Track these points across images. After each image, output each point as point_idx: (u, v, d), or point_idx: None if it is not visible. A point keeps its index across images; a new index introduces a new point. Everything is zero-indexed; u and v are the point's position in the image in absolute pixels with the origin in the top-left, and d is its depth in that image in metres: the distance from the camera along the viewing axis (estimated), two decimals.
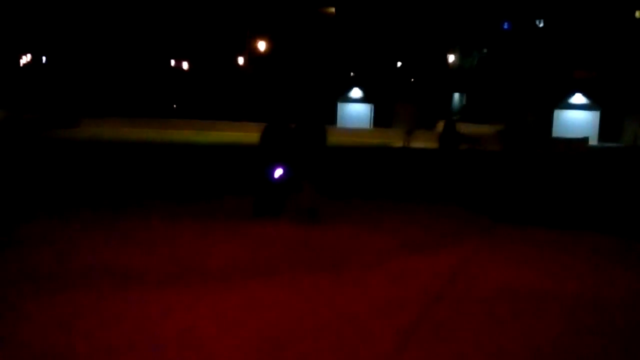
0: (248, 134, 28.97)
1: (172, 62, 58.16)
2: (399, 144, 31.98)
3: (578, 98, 42.07)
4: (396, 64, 50.26)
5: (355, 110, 47.21)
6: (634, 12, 44.28)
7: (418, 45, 48.66)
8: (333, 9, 50.41)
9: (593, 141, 38.66)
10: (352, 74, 51.32)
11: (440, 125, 36.64)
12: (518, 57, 46.12)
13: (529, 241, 8.63)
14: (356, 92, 47.27)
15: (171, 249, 7.49)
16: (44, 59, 56.29)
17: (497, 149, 29.33)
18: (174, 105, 53.43)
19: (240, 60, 54.69)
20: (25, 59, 55.19)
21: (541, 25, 46.83)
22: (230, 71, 54.52)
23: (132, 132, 36.87)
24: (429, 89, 47.55)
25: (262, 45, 51.16)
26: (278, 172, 9.20)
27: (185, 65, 57.94)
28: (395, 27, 48.58)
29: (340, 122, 46.83)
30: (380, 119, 48.06)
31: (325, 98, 48.01)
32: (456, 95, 50.01)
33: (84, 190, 12.00)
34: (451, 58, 47.28)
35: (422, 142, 32.35)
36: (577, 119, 41.79)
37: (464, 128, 34.68)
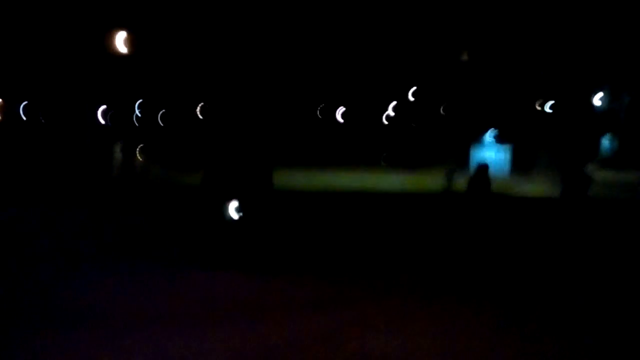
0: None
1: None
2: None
3: None
4: (536, 105, 47.32)
5: (490, 155, 44.68)
6: None
7: (561, 85, 45.53)
8: (466, 54, 48.80)
9: None
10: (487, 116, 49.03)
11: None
12: None
13: None
14: (492, 136, 44.81)
15: None
16: None
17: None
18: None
19: None
20: None
21: None
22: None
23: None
24: (572, 132, 44.07)
25: None
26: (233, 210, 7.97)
27: None
28: (533, 68, 45.99)
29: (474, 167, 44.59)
30: (520, 164, 45.74)
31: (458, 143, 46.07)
32: (605, 140, 46.03)
33: None
34: (597, 99, 43.61)
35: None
36: None
37: (602, 174, 31.75)
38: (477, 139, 45.64)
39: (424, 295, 7.44)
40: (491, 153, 44.40)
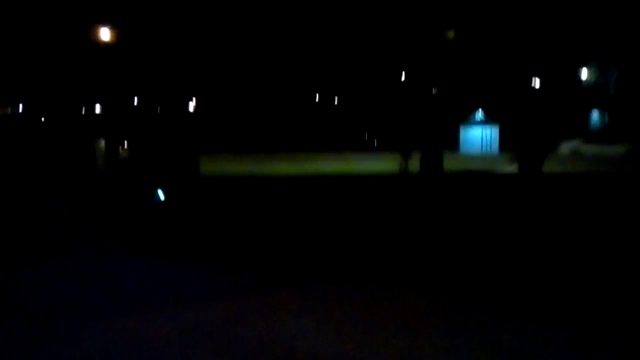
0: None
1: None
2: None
3: None
4: (523, 82, 46.87)
5: (479, 134, 44.46)
6: None
7: (549, 60, 45.08)
8: (452, 33, 48.30)
9: None
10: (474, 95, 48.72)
11: (565, 147, 33.42)
12: None
13: None
14: (480, 114, 44.59)
15: None
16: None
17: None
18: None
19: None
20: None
21: None
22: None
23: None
24: (560, 107, 43.75)
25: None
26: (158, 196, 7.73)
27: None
28: (523, 40, 45.56)
29: (464, 148, 44.33)
30: (507, 141, 45.55)
31: (447, 122, 45.77)
32: (595, 113, 45.72)
33: None
34: (585, 73, 43.24)
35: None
36: None
37: (591, 148, 31.54)
38: (464, 118, 45.32)
39: (354, 280, 7.14)
40: (478, 132, 44.22)
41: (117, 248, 8.84)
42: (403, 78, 51.14)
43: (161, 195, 8.13)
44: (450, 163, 28.79)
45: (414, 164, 22.42)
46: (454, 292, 6.68)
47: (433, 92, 53.14)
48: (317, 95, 54.79)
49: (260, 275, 7.56)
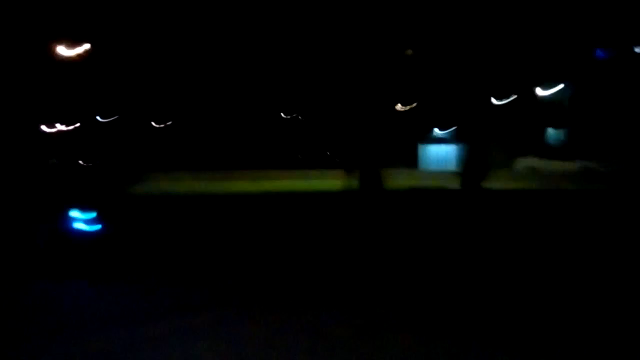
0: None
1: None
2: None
3: None
4: (481, 99, 47.52)
5: (440, 152, 44.77)
6: None
7: (502, 79, 45.80)
8: (410, 51, 48.86)
9: None
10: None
11: (520, 164, 33.78)
12: (615, 86, 42.24)
13: None
14: (438, 132, 44.97)
15: None
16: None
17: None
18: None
19: None
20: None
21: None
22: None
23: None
24: (515, 125, 44.45)
25: None
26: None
27: None
28: (477, 61, 46.16)
29: (424, 165, 44.62)
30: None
31: (405, 140, 46.10)
32: (551, 131, 46.40)
33: None
34: (541, 91, 43.82)
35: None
36: None
37: (545, 165, 31.90)
38: (425, 135, 45.63)
39: (277, 302, 6.95)
40: (437, 149, 44.53)
41: (35, 268, 8.42)
42: (358, 95, 51.12)
43: (85, 215, 7.83)
44: (402, 180, 28.83)
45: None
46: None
47: (387, 109, 53.31)
48: (276, 112, 54.75)
49: (177, 298, 7.34)
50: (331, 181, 30.43)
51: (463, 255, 9.90)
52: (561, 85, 45.76)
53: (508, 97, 44.98)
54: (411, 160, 47.26)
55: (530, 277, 8.33)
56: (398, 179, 33.33)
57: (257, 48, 53.47)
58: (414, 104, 48.56)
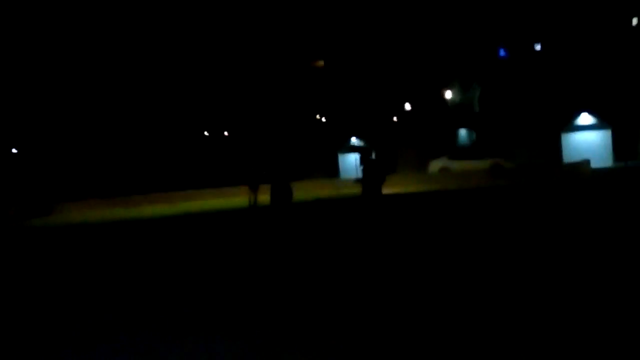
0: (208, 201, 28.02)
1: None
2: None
3: (585, 118, 39.63)
4: (395, 107, 48.76)
5: (351, 160, 45.81)
6: (631, 21, 41.77)
7: (413, 85, 47.13)
8: (322, 62, 49.69)
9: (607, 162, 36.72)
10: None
11: (434, 165, 34.72)
12: (519, 85, 44.01)
13: None
14: (354, 140, 46.00)
15: None
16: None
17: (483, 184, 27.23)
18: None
19: None
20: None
21: (539, 48, 44.61)
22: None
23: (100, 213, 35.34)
24: (428, 129, 45.77)
25: None
26: None
27: None
28: (387, 69, 47.43)
29: (343, 173, 45.47)
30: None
31: (323, 149, 46.93)
32: (462, 132, 47.80)
33: None
34: (450, 94, 45.31)
35: (400, 187, 30.30)
36: (586, 140, 39.34)
37: (457, 165, 32.85)
38: (340, 145, 46.53)
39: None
40: (353, 157, 45.47)
41: None
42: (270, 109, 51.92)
43: None
44: (318, 190, 29.30)
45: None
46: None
47: (302, 121, 53.95)
48: (187, 133, 54.67)
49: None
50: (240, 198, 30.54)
51: (359, 261, 10.18)
52: (469, 87, 47.11)
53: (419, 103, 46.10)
54: (332, 169, 47.80)
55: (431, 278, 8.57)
56: (314, 190, 33.80)
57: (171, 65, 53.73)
58: (328, 115, 49.54)
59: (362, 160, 12.62)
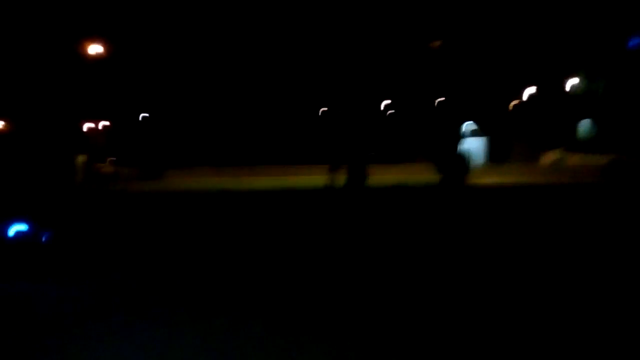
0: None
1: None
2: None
3: None
4: (512, 94, 47.06)
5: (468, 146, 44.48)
6: None
7: (535, 73, 45.30)
8: (439, 42, 48.35)
9: None
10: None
11: (547, 157, 33.12)
12: None
13: None
14: (468, 126, 44.60)
15: None
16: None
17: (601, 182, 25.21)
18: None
19: None
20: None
21: None
22: None
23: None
24: (546, 119, 43.83)
25: None
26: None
27: None
28: (508, 54, 45.69)
29: None
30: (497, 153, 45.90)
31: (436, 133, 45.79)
32: (583, 124, 45.49)
33: None
34: (573, 83, 43.18)
35: (500, 178, 28.87)
36: None
37: (573, 158, 31.28)
38: (454, 131, 45.37)
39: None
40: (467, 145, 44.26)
41: None
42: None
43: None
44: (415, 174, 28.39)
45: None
46: None
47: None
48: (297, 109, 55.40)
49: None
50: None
51: (447, 252, 9.55)
52: (595, 77, 44.79)
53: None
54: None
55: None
56: (411, 174, 32.32)
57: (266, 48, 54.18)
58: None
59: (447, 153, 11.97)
